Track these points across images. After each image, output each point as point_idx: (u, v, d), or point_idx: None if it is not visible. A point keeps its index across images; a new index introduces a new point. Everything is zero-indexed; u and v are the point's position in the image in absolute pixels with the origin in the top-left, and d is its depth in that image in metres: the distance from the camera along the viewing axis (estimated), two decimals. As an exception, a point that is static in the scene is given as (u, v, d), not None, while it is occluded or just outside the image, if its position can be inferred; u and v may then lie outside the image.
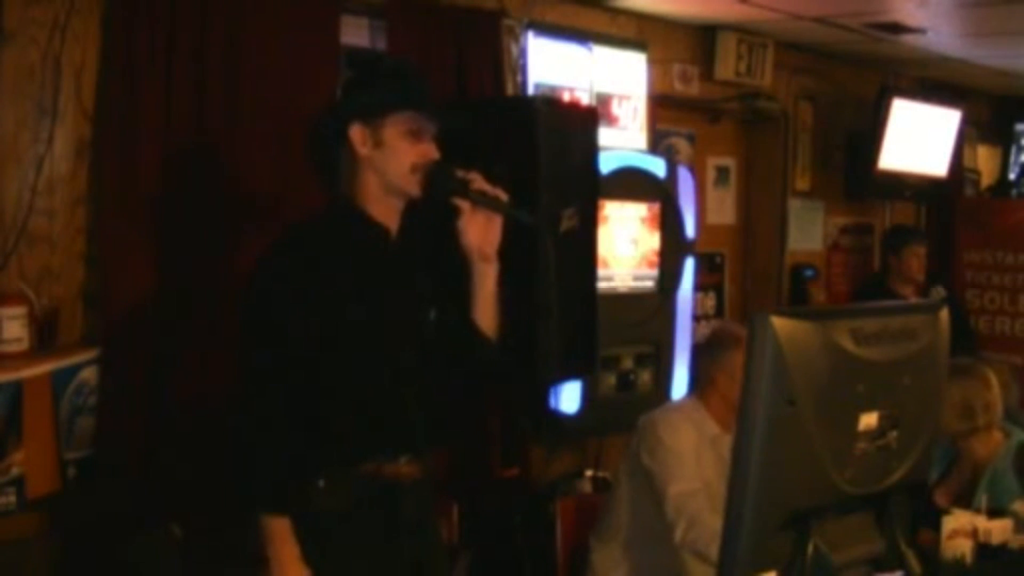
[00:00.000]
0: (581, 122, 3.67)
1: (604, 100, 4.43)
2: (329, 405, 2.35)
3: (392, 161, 2.37)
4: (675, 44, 4.98)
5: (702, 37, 5.09)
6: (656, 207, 4.35)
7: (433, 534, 2.61)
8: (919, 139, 6.02)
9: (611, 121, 4.45)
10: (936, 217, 6.70)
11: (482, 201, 2.39)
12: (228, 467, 2.38)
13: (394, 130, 2.37)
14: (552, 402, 3.97)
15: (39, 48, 2.96)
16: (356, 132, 2.38)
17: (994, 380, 3.40)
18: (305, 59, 3.40)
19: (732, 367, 3.06)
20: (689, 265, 4.50)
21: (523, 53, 4.14)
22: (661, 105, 4.87)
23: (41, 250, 3.00)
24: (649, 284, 4.34)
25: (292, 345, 2.30)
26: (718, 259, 5.65)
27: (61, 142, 3.03)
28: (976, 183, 7.23)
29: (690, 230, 4.48)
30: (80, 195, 3.08)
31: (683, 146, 5.27)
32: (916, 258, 5.59)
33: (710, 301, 5.57)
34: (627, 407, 3.94)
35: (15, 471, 2.82)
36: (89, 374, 3.01)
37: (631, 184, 4.23)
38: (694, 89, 5.09)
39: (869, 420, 1.74)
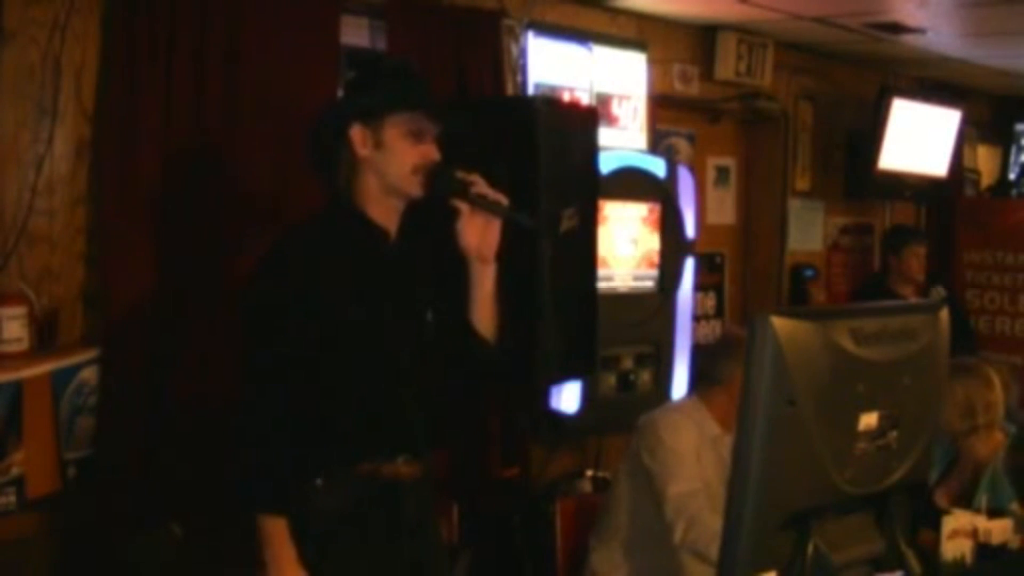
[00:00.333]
0: (581, 122, 3.67)
1: (604, 100, 4.43)
2: (328, 405, 2.35)
3: (392, 162, 2.37)
4: (675, 44, 4.98)
5: (702, 37, 5.09)
6: (656, 207, 4.35)
7: (433, 534, 2.61)
8: (919, 139, 6.02)
9: (611, 121, 4.45)
10: (936, 217, 6.70)
11: (481, 204, 2.38)
12: (228, 467, 2.38)
13: (395, 131, 2.37)
14: (552, 402, 3.97)
15: (39, 48, 2.96)
16: (356, 133, 2.37)
17: (996, 380, 3.39)
18: (305, 59, 3.40)
19: None
20: (689, 265, 4.50)
21: (523, 53, 4.14)
22: (661, 105, 4.87)
23: (41, 250, 3.00)
24: (649, 284, 4.34)
25: (291, 345, 2.30)
26: (718, 259, 5.65)
27: (61, 142, 3.03)
28: (976, 183, 7.23)
29: (690, 230, 4.48)
30: (80, 195, 3.08)
31: (683, 146, 5.27)
32: (916, 258, 5.59)
33: (710, 301, 5.57)
34: (627, 407, 3.93)
35: (15, 471, 2.82)
36: (89, 374, 3.01)
37: (631, 184, 4.24)
38: (694, 89, 5.09)
39: (869, 420, 1.74)
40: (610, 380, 4.13)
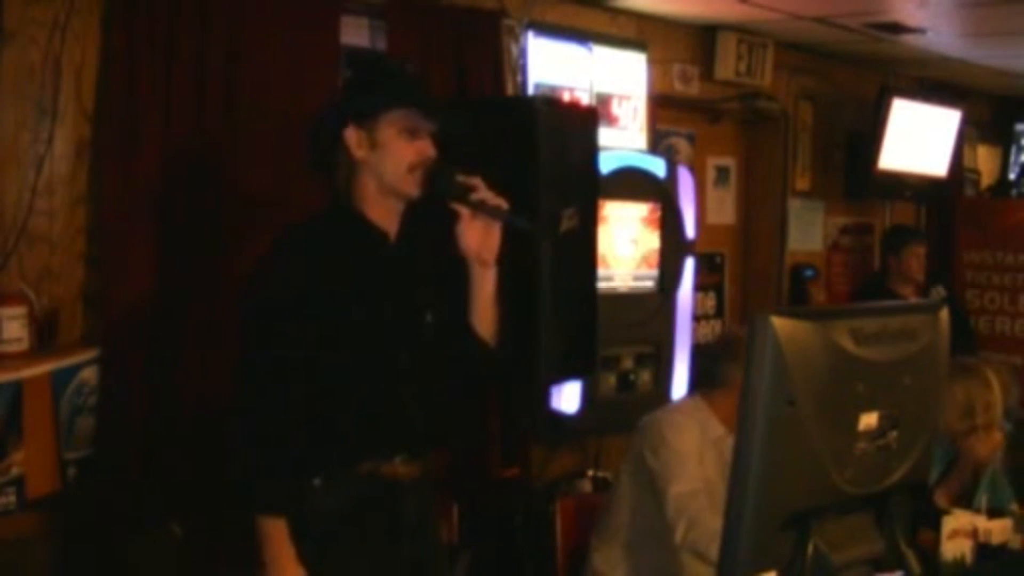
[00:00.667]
0: (581, 122, 3.67)
1: (604, 100, 4.44)
2: (327, 405, 2.35)
3: (388, 162, 2.37)
4: (675, 44, 4.98)
5: (702, 37, 5.09)
6: (656, 207, 4.35)
7: (433, 535, 2.61)
8: (919, 139, 6.02)
9: (611, 121, 4.45)
10: (936, 217, 6.70)
11: (481, 208, 2.38)
12: (227, 467, 2.38)
13: (389, 129, 2.37)
14: (552, 402, 3.97)
15: (39, 48, 2.96)
16: (351, 135, 2.37)
17: (994, 380, 3.40)
18: (305, 59, 3.40)
19: None
20: (689, 265, 4.50)
21: (523, 53, 4.14)
22: (661, 105, 4.87)
23: (41, 250, 3.00)
24: (649, 284, 4.34)
25: (291, 345, 2.30)
26: (718, 259, 5.65)
27: (61, 142, 3.03)
28: (976, 183, 7.23)
29: (690, 230, 4.48)
30: (80, 195, 3.08)
31: (683, 146, 5.27)
32: (916, 258, 5.59)
33: (710, 301, 5.57)
34: (627, 407, 3.94)
35: (15, 471, 2.83)
36: (89, 374, 3.01)
37: (631, 184, 4.24)
38: (694, 89, 5.09)
39: (869, 420, 1.74)
40: (610, 380, 4.14)
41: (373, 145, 2.37)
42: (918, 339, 1.83)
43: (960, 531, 2.82)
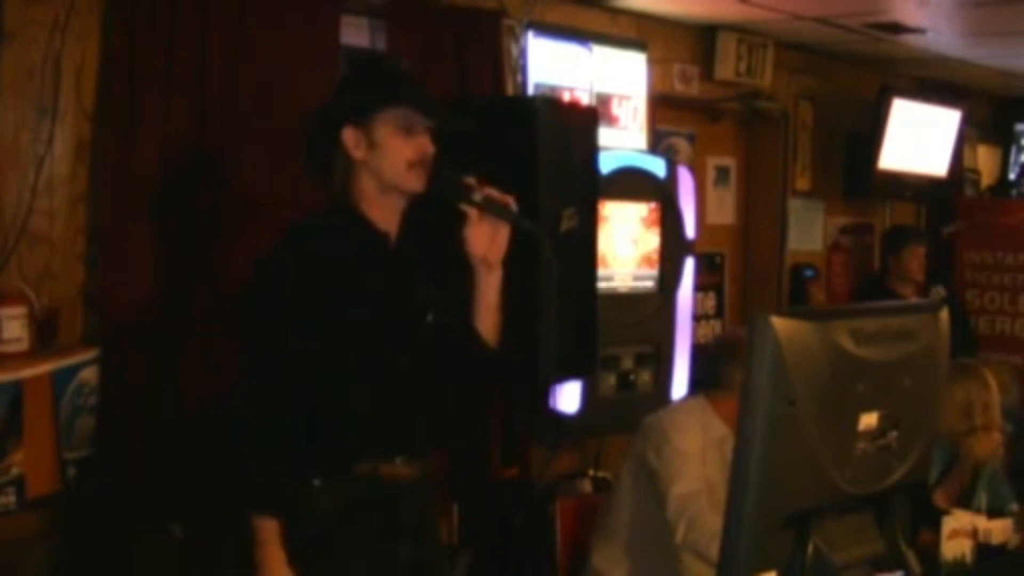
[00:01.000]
0: (581, 122, 3.67)
1: (604, 100, 4.43)
2: (327, 406, 2.35)
3: (386, 161, 2.36)
4: (675, 44, 4.98)
5: (702, 37, 5.09)
6: (656, 207, 4.35)
7: (433, 536, 2.61)
8: (919, 139, 6.02)
9: (611, 121, 4.45)
10: (936, 217, 6.70)
11: (491, 210, 2.37)
12: (226, 466, 2.38)
13: (385, 128, 2.36)
14: (552, 402, 3.97)
15: (39, 48, 2.96)
16: (349, 135, 2.36)
17: (992, 380, 3.41)
18: (305, 59, 3.40)
19: None
20: (689, 265, 4.50)
21: (523, 53, 4.14)
22: (661, 105, 4.87)
23: (41, 250, 3.00)
24: (649, 284, 4.34)
25: (291, 345, 2.30)
26: (718, 259, 5.65)
27: (61, 142, 3.03)
28: (976, 183, 7.24)
29: (690, 230, 4.48)
30: (80, 195, 3.08)
31: (683, 146, 5.28)
32: (916, 258, 5.59)
33: (710, 301, 5.57)
34: (627, 407, 3.94)
35: (15, 471, 2.83)
36: (89, 374, 3.01)
37: (631, 184, 4.24)
38: (694, 89, 5.09)
39: (869, 420, 1.74)
40: (610, 380, 4.13)
41: (371, 145, 2.36)
42: (918, 339, 1.82)
43: (960, 531, 2.82)
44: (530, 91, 4.12)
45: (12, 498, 2.82)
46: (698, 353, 4.47)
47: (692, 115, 5.28)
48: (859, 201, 6.20)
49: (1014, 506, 3.18)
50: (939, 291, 5.84)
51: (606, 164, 3.97)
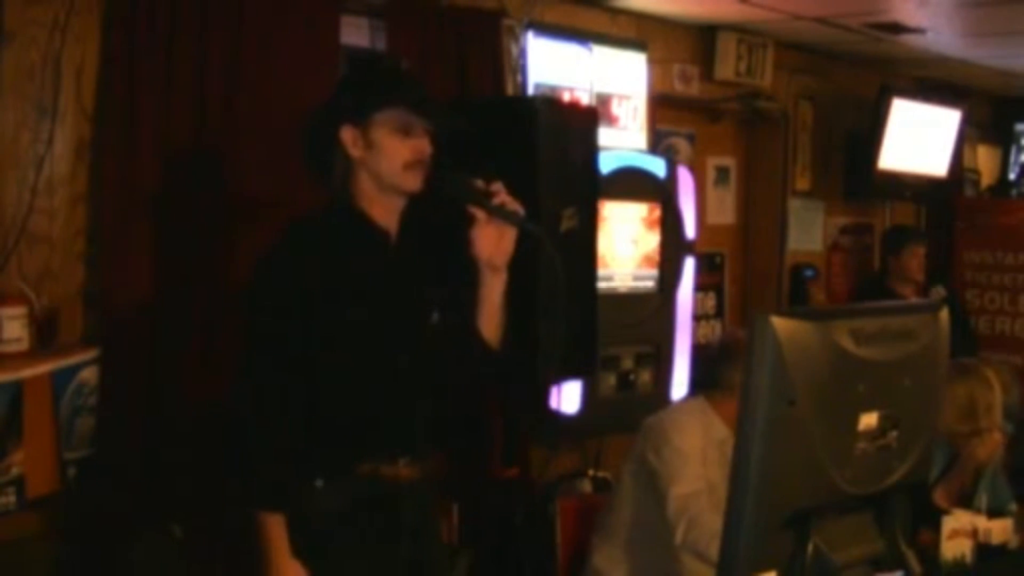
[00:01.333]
0: (581, 122, 3.67)
1: (604, 100, 4.43)
2: (328, 406, 2.35)
3: (384, 160, 2.36)
4: (675, 44, 4.98)
5: (702, 37, 5.09)
6: (656, 207, 4.35)
7: (433, 536, 2.61)
8: (919, 139, 6.02)
9: (611, 121, 4.45)
10: (936, 217, 6.70)
11: (499, 213, 2.37)
12: (227, 466, 2.37)
13: (383, 128, 2.36)
14: (552, 402, 3.97)
15: (39, 48, 2.96)
16: (347, 134, 2.37)
17: (995, 381, 3.40)
18: (305, 59, 3.40)
19: None
20: (689, 265, 4.50)
21: (523, 53, 4.14)
22: (661, 105, 4.87)
23: (41, 250, 3.00)
24: (649, 284, 4.34)
25: (291, 345, 2.30)
26: (718, 259, 5.65)
27: (61, 142, 3.03)
28: (976, 183, 7.24)
29: (690, 230, 4.49)
30: (80, 195, 3.08)
31: (683, 146, 5.27)
32: (916, 258, 5.59)
33: (710, 301, 5.57)
34: (627, 407, 3.94)
35: (15, 471, 2.82)
36: (89, 374, 3.01)
37: (631, 184, 4.24)
38: (694, 89, 5.09)
39: (869, 420, 1.74)
40: (610, 380, 4.13)
41: (368, 145, 2.36)
42: (918, 339, 1.82)
43: (960, 531, 2.82)
44: (530, 91, 4.12)
45: (12, 498, 2.82)
46: (698, 353, 4.47)
47: (692, 115, 5.28)
48: (859, 201, 6.20)
49: (1013, 506, 3.18)
50: (939, 291, 5.84)
51: (606, 164, 3.97)
